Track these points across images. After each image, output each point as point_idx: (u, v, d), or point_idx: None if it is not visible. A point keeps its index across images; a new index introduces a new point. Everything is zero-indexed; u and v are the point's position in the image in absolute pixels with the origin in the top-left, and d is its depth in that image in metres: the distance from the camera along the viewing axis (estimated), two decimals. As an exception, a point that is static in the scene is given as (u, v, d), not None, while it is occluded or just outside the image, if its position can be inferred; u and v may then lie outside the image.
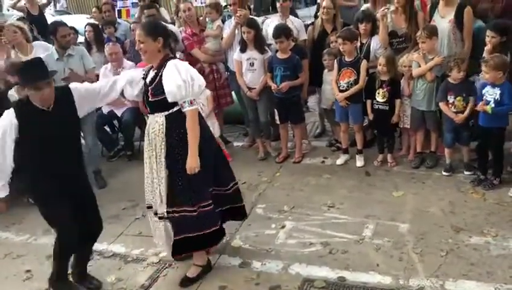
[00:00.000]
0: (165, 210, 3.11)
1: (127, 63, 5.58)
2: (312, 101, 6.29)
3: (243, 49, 5.00)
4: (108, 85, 3.18)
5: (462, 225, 3.68)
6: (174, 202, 3.09)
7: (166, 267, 3.49)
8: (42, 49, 5.14)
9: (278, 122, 5.26)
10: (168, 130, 2.99)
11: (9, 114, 2.92)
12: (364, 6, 5.46)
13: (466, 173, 4.45)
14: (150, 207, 3.28)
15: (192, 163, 2.95)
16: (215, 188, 3.26)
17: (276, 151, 5.38)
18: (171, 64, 2.93)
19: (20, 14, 8.17)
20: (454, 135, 4.47)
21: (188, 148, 2.95)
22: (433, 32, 4.37)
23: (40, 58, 3.08)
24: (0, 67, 4.99)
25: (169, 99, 2.92)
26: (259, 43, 4.95)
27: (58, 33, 4.91)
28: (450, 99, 4.34)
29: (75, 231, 3.05)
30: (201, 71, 5.27)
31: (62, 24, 5.37)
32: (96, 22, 6.73)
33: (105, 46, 5.54)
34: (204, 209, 3.12)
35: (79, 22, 9.35)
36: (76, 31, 6.39)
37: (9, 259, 3.88)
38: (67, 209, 3.03)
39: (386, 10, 4.75)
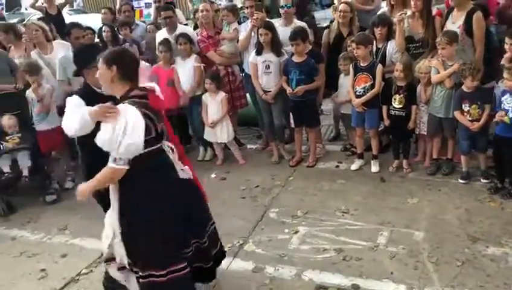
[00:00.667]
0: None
1: (143, 64, 5.60)
2: (326, 104, 6.27)
3: (259, 52, 4.99)
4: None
5: (479, 234, 3.62)
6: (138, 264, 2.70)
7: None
8: (63, 48, 5.19)
9: (292, 125, 5.24)
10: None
11: (75, 97, 2.98)
12: (382, 11, 5.41)
13: (483, 181, 4.39)
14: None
15: (79, 190, 2.64)
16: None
17: (289, 155, 5.36)
18: (118, 108, 2.50)
19: (39, 13, 8.27)
20: (470, 142, 4.41)
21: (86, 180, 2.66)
22: (453, 38, 4.32)
23: (93, 43, 3.11)
24: (19, 66, 5.06)
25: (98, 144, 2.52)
26: (276, 46, 4.93)
27: (72, 35, 4.95)
28: (465, 107, 4.29)
29: None
30: (216, 73, 5.31)
31: (76, 26, 5.43)
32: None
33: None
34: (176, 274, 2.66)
35: (95, 21, 9.40)
36: (93, 31, 6.43)
37: (24, 257, 3.92)
38: None
39: (403, 15, 4.70)
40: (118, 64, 2.59)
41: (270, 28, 4.88)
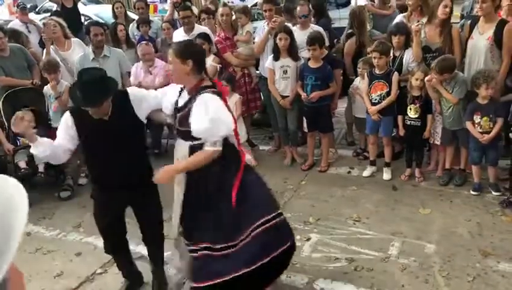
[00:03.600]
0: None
1: (158, 61, 5.63)
2: (339, 107, 6.26)
3: (277, 58, 5.00)
4: (160, 94, 3.08)
5: (490, 249, 3.64)
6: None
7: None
8: (79, 47, 5.23)
9: (305, 130, 5.26)
10: None
11: (66, 118, 2.96)
12: (399, 17, 5.39)
13: (494, 193, 4.40)
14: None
15: (164, 174, 2.81)
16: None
17: (302, 158, 5.39)
18: (201, 100, 2.71)
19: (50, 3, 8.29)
20: (480, 154, 4.41)
21: (177, 163, 2.87)
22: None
23: (101, 76, 2.90)
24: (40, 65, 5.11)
25: (194, 135, 2.77)
26: (294, 51, 4.93)
27: (91, 32, 4.99)
28: (476, 119, 4.29)
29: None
30: (232, 75, 5.33)
31: (94, 24, 5.46)
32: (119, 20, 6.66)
33: (138, 45, 5.60)
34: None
35: (108, 10, 9.29)
36: (107, 26, 6.43)
37: (40, 254, 4.00)
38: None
39: (419, 26, 4.68)
40: (194, 58, 2.75)
41: (289, 32, 4.89)
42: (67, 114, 2.97)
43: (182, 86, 2.91)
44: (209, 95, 2.72)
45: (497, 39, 4.38)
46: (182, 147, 2.90)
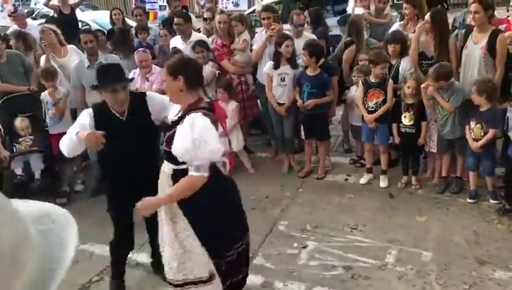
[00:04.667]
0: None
1: (156, 68, 5.63)
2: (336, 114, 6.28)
3: (276, 66, 5.00)
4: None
5: (487, 257, 3.65)
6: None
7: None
8: (76, 54, 5.24)
9: (303, 137, 5.27)
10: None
11: (87, 113, 3.04)
12: (396, 25, 5.43)
13: (491, 201, 4.41)
14: None
15: (145, 205, 2.66)
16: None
17: (299, 166, 5.40)
18: (188, 120, 2.53)
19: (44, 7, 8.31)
20: (476, 160, 4.43)
21: (159, 196, 2.73)
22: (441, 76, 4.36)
23: (118, 63, 3.19)
24: (37, 72, 5.12)
25: (174, 155, 2.59)
26: (293, 58, 4.95)
27: (81, 40, 4.99)
28: (472, 124, 4.33)
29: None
30: (229, 82, 5.35)
31: (84, 31, 5.46)
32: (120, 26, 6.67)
33: (136, 52, 5.60)
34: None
35: (106, 16, 9.23)
36: (103, 33, 6.41)
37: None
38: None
39: (423, 27, 4.69)
40: (184, 74, 2.60)
41: (292, 40, 4.92)
42: (90, 109, 3.11)
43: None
44: (198, 115, 2.53)
45: (491, 49, 4.42)
46: (165, 169, 2.74)
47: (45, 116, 5.02)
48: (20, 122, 4.87)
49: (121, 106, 3.03)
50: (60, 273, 0.77)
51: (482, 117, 4.28)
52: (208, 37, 5.72)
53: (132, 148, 2.99)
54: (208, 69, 5.31)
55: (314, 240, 4.00)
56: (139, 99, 3.10)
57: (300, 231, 4.16)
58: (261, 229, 4.20)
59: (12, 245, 0.70)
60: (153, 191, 2.90)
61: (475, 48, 4.50)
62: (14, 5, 8.77)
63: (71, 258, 0.78)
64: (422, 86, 4.47)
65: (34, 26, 7.19)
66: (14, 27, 6.96)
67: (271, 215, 4.46)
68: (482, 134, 4.26)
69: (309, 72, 4.92)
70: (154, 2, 8.18)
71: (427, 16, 4.72)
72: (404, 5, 5.15)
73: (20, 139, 4.84)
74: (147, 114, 3.06)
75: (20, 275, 0.70)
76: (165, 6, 7.88)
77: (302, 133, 5.24)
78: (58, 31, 5.46)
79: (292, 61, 4.96)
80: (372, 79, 4.76)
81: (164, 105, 3.03)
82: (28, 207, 0.83)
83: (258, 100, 5.74)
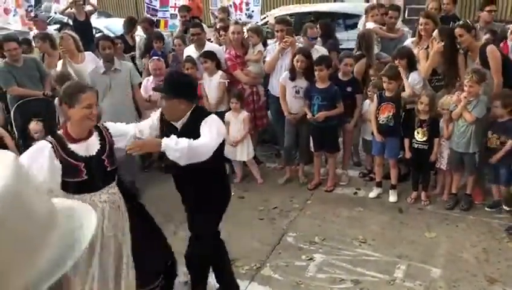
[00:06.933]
0: None
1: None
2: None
3: (292, 78, 5.03)
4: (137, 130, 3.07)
5: (497, 275, 3.63)
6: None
7: None
8: (92, 60, 5.31)
9: (312, 149, 5.28)
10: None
11: (158, 113, 3.18)
12: (409, 41, 5.45)
13: (506, 208, 4.47)
14: None
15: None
16: None
17: (306, 178, 5.40)
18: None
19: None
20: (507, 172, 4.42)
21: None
22: (482, 78, 4.35)
23: (190, 80, 3.37)
24: (52, 76, 5.19)
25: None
26: (311, 73, 4.94)
27: (100, 46, 5.06)
28: (489, 134, 4.40)
29: None
30: (242, 92, 5.38)
31: (103, 38, 5.54)
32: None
33: (150, 61, 5.67)
34: None
35: (119, 24, 9.32)
36: (121, 39, 6.55)
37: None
38: None
39: (428, 49, 4.73)
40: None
41: (308, 56, 4.94)
42: (159, 110, 3.19)
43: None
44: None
45: (483, 61, 4.52)
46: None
47: (58, 121, 5.08)
48: (34, 125, 4.92)
49: (170, 118, 3.07)
50: (79, 251, 0.88)
51: (498, 127, 4.33)
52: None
53: None
54: (217, 80, 5.36)
55: (323, 253, 4.00)
56: (200, 115, 3.07)
57: (308, 243, 4.16)
58: (270, 240, 4.21)
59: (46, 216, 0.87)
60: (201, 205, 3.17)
61: (473, 65, 4.60)
62: (26, 10, 8.95)
63: (88, 240, 0.90)
64: (462, 95, 4.45)
65: (51, 31, 7.34)
66: (34, 31, 7.15)
67: (279, 227, 4.46)
68: (498, 143, 4.30)
69: (319, 84, 4.94)
70: (165, 11, 8.27)
71: (435, 33, 4.76)
72: (425, 20, 5.04)
73: (33, 143, 4.87)
74: (198, 131, 3.02)
75: (48, 243, 0.85)
76: (176, 15, 7.97)
77: (311, 145, 5.25)
78: (77, 37, 5.56)
79: (309, 76, 4.96)
80: (387, 94, 4.78)
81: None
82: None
83: (269, 111, 5.78)
